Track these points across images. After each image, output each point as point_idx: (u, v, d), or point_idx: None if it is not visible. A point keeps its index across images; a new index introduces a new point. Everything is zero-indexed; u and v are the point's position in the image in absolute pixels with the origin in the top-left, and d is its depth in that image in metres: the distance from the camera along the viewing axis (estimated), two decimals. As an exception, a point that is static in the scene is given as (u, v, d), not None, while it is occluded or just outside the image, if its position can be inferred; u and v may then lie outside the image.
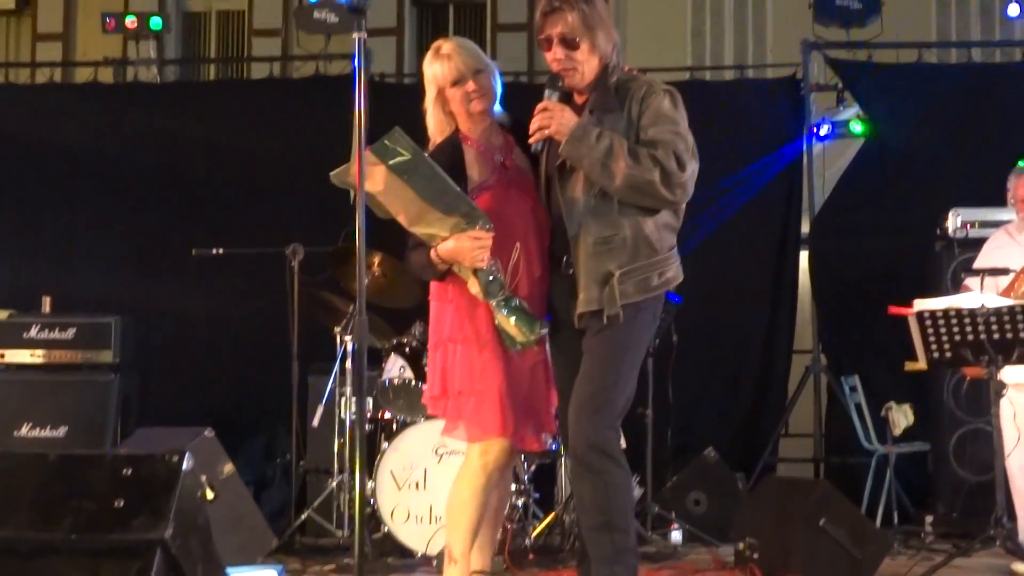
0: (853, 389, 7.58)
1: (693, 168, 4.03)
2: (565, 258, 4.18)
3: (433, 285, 4.33)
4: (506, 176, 4.30)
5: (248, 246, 7.15)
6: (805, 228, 8.48)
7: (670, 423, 7.36)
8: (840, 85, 8.60)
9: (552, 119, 4.04)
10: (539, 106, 4.08)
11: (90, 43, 10.81)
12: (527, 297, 4.19)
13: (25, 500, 2.80)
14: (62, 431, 7.34)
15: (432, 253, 4.14)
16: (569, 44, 4.12)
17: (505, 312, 4.10)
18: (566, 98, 4.23)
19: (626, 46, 10.97)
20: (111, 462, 2.89)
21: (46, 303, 7.69)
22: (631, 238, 4.05)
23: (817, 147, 8.66)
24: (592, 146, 3.98)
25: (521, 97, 4.50)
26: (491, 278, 4.10)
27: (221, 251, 7.13)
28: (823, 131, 8.57)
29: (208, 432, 5.97)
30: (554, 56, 4.14)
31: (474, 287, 4.13)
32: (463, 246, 4.07)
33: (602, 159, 3.98)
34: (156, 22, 9.01)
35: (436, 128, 4.32)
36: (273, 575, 5.19)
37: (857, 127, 8.44)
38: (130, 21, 8.93)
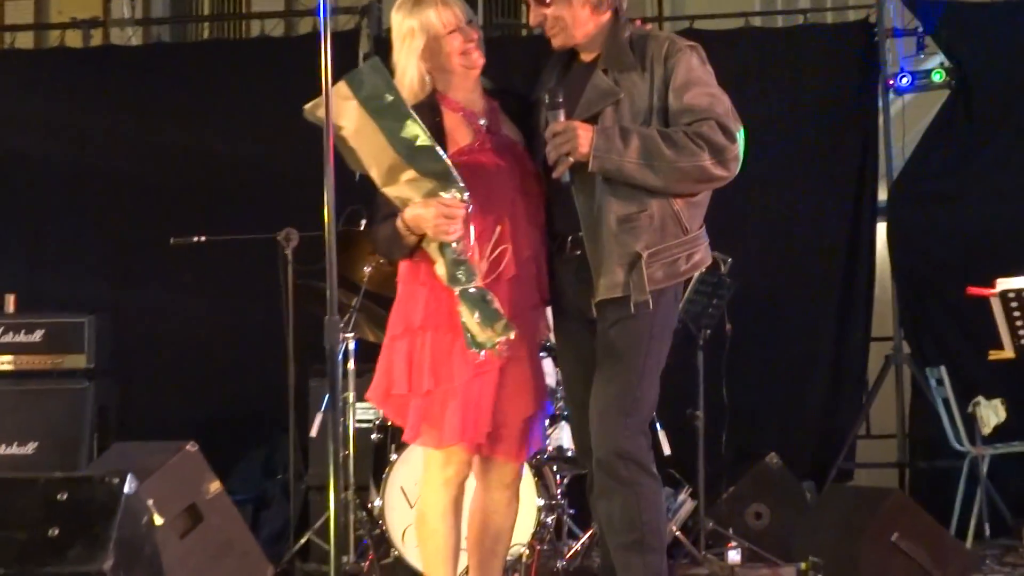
0: (939, 382, 7.56)
1: (740, 133, 4.10)
2: (570, 237, 4.23)
3: (402, 267, 4.30)
4: (491, 142, 4.29)
5: (237, 232, 7.22)
6: (882, 196, 8.47)
7: (725, 426, 7.38)
8: (920, 29, 8.56)
9: (568, 141, 4.05)
10: (548, 131, 4.10)
11: (65, 0, 10.90)
12: (514, 280, 4.19)
13: (-52, 530, 2.87)
14: (31, 447, 7.44)
15: (398, 220, 4.10)
16: (540, 2, 4.20)
17: (468, 303, 4.03)
18: (566, 57, 4.29)
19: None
20: (44, 486, 2.96)
21: (10, 302, 7.80)
22: (658, 215, 4.11)
23: (895, 102, 8.63)
24: (622, 151, 4.03)
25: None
26: (458, 259, 4.05)
27: (204, 239, 7.21)
28: (902, 83, 8.52)
29: (191, 446, 6.05)
30: (533, 20, 4.24)
31: (440, 267, 4.09)
32: (428, 212, 4.02)
33: (640, 160, 4.02)
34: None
35: (410, 89, 4.24)
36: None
37: (939, 77, 8.40)
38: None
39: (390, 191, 4.11)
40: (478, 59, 4.30)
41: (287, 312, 6.95)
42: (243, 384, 8.16)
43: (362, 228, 6.67)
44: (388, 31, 8.65)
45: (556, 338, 4.48)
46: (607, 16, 4.23)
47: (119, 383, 7.98)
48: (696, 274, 4.76)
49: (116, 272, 8.52)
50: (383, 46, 8.61)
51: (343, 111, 3.95)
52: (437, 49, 4.26)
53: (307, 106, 4.01)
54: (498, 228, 4.18)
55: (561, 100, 4.13)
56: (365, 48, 8.68)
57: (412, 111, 4.04)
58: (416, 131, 4.01)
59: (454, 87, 4.33)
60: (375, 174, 4.10)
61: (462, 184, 4.03)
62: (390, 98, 3.99)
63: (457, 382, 4.16)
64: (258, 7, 11.21)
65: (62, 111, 8.80)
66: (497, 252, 4.18)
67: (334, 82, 3.84)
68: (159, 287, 8.34)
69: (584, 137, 4.05)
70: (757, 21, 9.10)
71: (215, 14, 12.01)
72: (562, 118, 4.10)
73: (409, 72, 4.26)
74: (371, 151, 4.05)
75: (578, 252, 4.20)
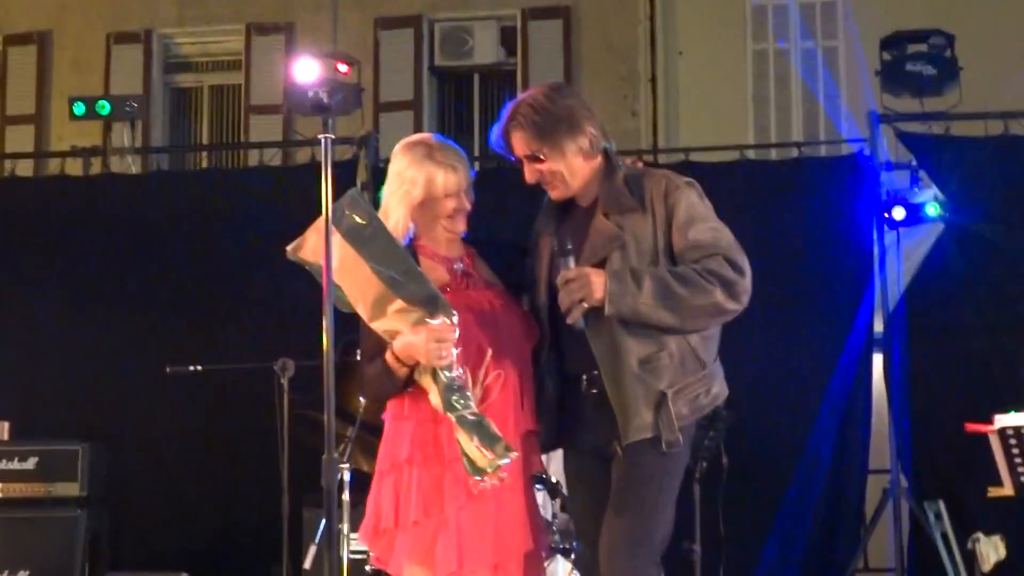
0: (938, 516, 7.51)
1: (747, 264, 4.12)
2: (585, 376, 4.23)
3: (390, 405, 4.28)
4: (468, 282, 4.31)
5: (233, 361, 7.22)
6: (878, 327, 8.46)
7: (722, 559, 7.29)
8: (913, 163, 8.61)
9: (582, 287, 4.06)
10: (560, 279, 4.11)
11: (66, 126, 10.98)
12: (506, 407, 4.16)
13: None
14: (22, 577, 7.40)
15: (388, 354, 4.08)
16: (534, 160, 4.23)
17: (466, 428, 3.97)
18: (562, 209, 4.32)
19: (679, 120, 11.17)
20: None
21: (4, 429, 7.78)
22: (677, 352, 4.12)
23: (891, 233, 8.64)
24: (636, 294, 4.04)
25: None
26: (453, 385, 4.01)
27: (200, 368, 7.20)
28: (897, 215, 8.53)
29: (183, 579, 6.01)
30: (529, 177, 4.26)
31: (434, 396, 4.04)
32: (419, 338, 4.00)
33: (654, 302, 4.03)
34: (104, 106, 9.18)
35: (393, 231, 4.18)
36: None
37: (934, 211, 8.43)
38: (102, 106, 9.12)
39: (378, 325, 4.09)
40: (461, 227, 4.32)
41: (282, 442, 6.91)
42: (237, 513, 8.11)
43: (358, 357, 6.66)
44: (387, 161, 8.85)
45: (567, 475, 4.45)
46: (598, 160, 4.27)
47: (112, 510, 7.92)
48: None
49: (111, 399, 8.48)
50: (381, 176, 8.74)
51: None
52: (430, 207, 4.27)
53: (289, 248, 4.04)
54: (489, 352, 4.15)
55: (571, 247, 4.14)
56: (363, 177, 8.72)
57: (394, 239, 4.05)
58: (399, 258, 4.01)
59: (432, 239, 4.34)
60: (362, 310, 4.08)
61: (451, 308, 4.02)
62: (372, 228, 4.00)
63: (448, 514, 4.10)
64: (256, 137, 11.32)
65: (60, 237, 8.83)
66: (489, 377, 4.15)
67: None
68: (154, 415, 8.30)
69: (597, 283, 4.05)
70: (752, 154, 9.15)
71: (213, 143, 12.12)
72: (572, 265, 4.11)
73: (395, 216, 4.25)
74: (356, 285, 4.03)
75: (594, 391, 4.20)
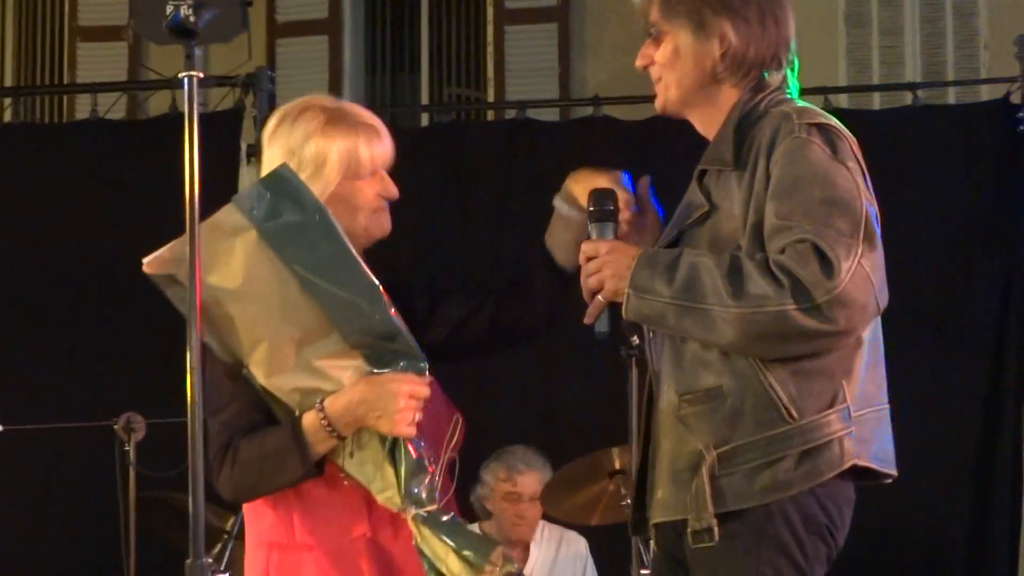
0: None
1: (854, 261, 3.73)
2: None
3: (258, 523, 4.12)
4: None
5: (52, 419, 7.19)
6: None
7: None
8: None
9: (601, 272, 3.95)
10: (582, 253, 4.01)
11: None
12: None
13: None
14: None
15: (314, 418, 3.94)
16: (653, 38, 4.10)
17: (440, 531, 3.90)
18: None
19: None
20: None
21: None
22: (737, 393, 3.87)
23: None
24: (663, 289, 3.85)
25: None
26: (419, 466, 3.94)
27: (1, 428, 7.17)
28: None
29: None
30: (637, 61, 4.16)
31: (384, 486, 3.94)
32: (386, 390, 3.92)
33: (680, 303, 3.82)
34: None
35: None
36: None
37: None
38: None
39: (286, 381, 3.95)
40: (388, 226, 4.20)
41: (127, 539, 6.89)
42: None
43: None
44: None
45: None
46: (729, 92, 4.07)
47: None
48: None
49: None
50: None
51: (224, 255, 3.82)
52: (348, 195, 4.14)
53: (146, 261, 3.81)
54: (457, 419, 4.13)
55: (611, 208, 4.05)
56: (250, 139, 8.65)
57: (346, 241, 3.91)
58: (353, 270, 3.90)
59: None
60: (262, 357, 3.93)
61: (420, 351, 3.97)
62: (311, 222, 3.88)
63: None
64: (88, 75, 11.30)
65: None
66: (449, 455, 4.13)
67: (207, 188, 3.65)
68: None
69: (621, 265, 3.93)
70: (844, 101, 9.12)
71: (21, 85, 12.07)
72: (610, 236, 4.02)
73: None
74: (266, 317, 3.90)
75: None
